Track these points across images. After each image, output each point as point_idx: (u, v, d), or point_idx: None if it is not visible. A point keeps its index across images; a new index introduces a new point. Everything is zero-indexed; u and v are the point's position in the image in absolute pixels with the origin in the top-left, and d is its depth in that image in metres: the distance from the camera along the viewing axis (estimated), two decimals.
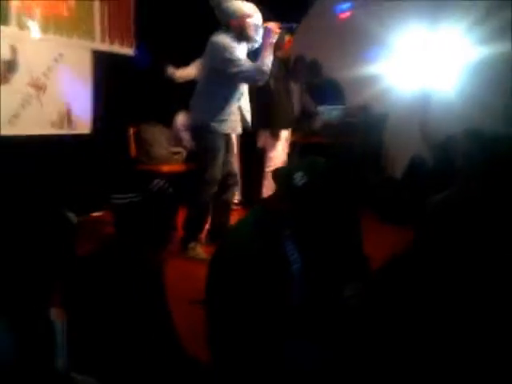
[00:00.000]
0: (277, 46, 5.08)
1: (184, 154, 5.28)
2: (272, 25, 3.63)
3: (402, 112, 5.97)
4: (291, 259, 1.95)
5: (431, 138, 5.55)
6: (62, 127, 4.67)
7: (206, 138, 3.76)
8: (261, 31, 3.67)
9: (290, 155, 5.25)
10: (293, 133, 5.27)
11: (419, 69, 5.85)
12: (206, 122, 3.75)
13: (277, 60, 5.10)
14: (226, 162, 3.89)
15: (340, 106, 5.90)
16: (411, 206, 4.57)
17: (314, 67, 6.40)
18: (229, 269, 1.90)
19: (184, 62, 5.09)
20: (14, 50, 4.23)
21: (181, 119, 5.44)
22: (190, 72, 5.19)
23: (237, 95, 3.80)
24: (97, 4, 4.87)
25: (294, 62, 5.90)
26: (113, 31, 5.04)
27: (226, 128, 3.82)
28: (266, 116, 4.91)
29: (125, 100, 5.04)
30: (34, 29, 4.35)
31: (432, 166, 5.31)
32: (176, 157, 5.24)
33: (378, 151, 5.91)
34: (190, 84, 5.25)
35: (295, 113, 5.54)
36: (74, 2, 4.66)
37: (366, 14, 6.12)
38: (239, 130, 3.98)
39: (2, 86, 4.15)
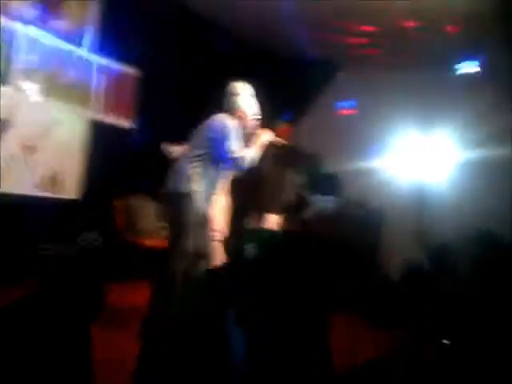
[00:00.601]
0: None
1: None
2: (269, 135, 3.91)
3: (399, 209, 5.90)
4: (232, 336, 1.77)
5: (426, 238, 5.43)
6: (46, 189, 4.60)
7: (182, 207, 3.61)
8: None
9: None
10: (284, 221, 5.16)
11: (415, 167, 5.85)
12: (187, 190, 3.63)
13: (271, 148, 5.11)
14: (200, 238, 3.74)
15: (334, 198, 5.82)
16: (402, 310, 4.38)
17: (313, 159, 6.40)
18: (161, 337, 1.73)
19: (180, 139, 5.13)
20: (9, 110, 4.25)
21: None
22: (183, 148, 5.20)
23: (223, 172, 3.79)
24: (96, 75, 4.96)
25: (291, 151, 5.90)
26: (111, 103, 5.09)
27: (204, 201, 3.71)
28: (254, 198, 4.85)
29: (116, 170, 5.00)
30: (32, 92, 4.40)
31: (426, 267, 5.16)
32: (162, 232, 5.11)
33: (372, 248, 5.76)
34: None
35: (288, 201, 5.46)
36: (74, 72, 4.74)
37: (366, 112, 6.24)
38: (214, 204, 3.89)
39: None
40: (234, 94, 3.82)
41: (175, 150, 5.12)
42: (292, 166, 5.95)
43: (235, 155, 3.64)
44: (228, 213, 5.28)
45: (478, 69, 5.70)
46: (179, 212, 3.64)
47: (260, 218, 4.91)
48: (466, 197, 5.36)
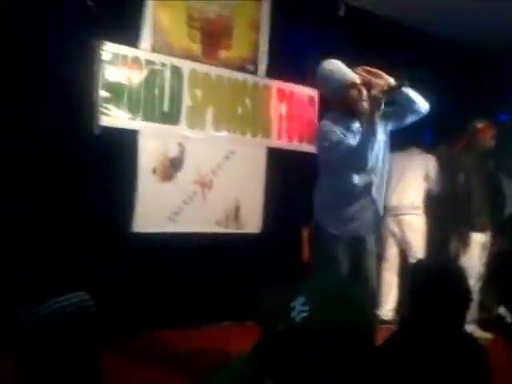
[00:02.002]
0: (471, 138, 4.31)
1: None
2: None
3: None
4: None
5: None
6: (227, 226, 4.50)
7: (320, 244, 3.13)
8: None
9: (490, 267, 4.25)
10: (493, 242, 4.28)
11: None
12: (319, 223, 3.12)
13: (472, 152, 4.30)
14: (362, 276, 3.13)
15: None
16: None
17: None
18: None
19: None
20: (181, 147, 4.28)
21: None
22: None
23: (357, 187, 3.06)
24: (273, 102, 4.75)
25: (505, 155, 4.93)
26: (291, 128, 4.84)
27: (347, 229, 3.08)
28: (457, 214, 4.11)
29: (301, 198, 4.70)
30: (205, 127, 4.38)
31: None
32: None
33: None
34: None
35: (501, 216, 4.49)
36: (249, 102, 4.61)
37: None
38: (370, 231, 3.21)
39: (166, 183, 4.20)
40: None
41: None
42: (503, 170, 4.95)
43: (347, 157, 2.93)
44: (426, 234, 4.58)
45: None
46: (316, 250, 3.22)
47: (463, 238, 4.12)
48: None
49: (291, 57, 4.77)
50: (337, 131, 2.98)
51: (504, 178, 4.84)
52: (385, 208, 4.49)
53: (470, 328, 4.14)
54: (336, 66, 3.03)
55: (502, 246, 4.46)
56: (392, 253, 4.58)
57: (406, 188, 4.55)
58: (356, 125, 3.05)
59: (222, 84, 4.49)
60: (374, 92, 2.88)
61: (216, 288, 4.30)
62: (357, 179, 3.02)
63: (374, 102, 2.88)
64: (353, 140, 2.96)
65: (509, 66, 5.26)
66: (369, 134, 2.88)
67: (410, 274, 1.96)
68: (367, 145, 2.87)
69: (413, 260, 4.44)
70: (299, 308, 1.27)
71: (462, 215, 4.16)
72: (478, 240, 4.17)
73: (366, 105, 2.95)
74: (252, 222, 4.62)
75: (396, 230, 4.55)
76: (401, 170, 4.54)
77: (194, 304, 4.18)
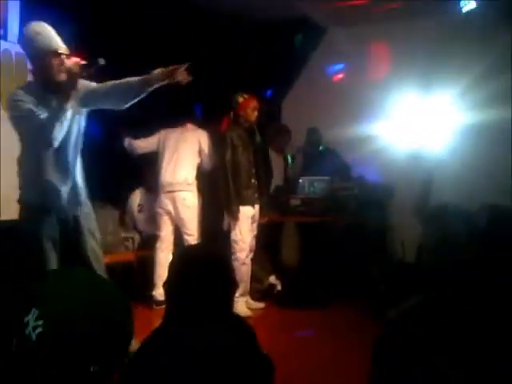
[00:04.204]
0: (234, 112, 4.33)
1: (137, 239, 4.50)
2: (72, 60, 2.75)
3: (408, 185, 5.03)
4: None
5: (427, 214, 4.61)
6: None
7: (23, 220, 2.86)
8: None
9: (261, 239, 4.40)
10: (263, 213, 4.43)
11: (414, 134, 4.91)
12: (21, 198, 2.86)
13: (237, 127, 4.34)
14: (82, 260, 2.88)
15: (326, 178, 4.93)
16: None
17: (311, 136, 5.53)
18: None
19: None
20: None
21: (136, 199, 4.71)
22: (151, 142, 4.53)
23: (47, 159, 2.82)
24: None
25: (272, 131, 5.13)
26: None
27: (44, 201, 2.84)
28: (222, 191, 4.17)
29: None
30: None
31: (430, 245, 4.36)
32: (127, 243, 4.43)
33: (379, 232, 4.90)
34: (146, 160, 4.55)
35: (265, 188, 4.64)
36: None
37: (359, 75, 5.35)
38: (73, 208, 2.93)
39: None
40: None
41: (139, 142, 4.51)
42: (277, 148, 5.18)
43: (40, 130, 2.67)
44: (199, 210, 4.57)
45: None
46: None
47: (233, 212, 4.17)
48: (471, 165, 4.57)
49: None
50: (28, 102, 2.71)
51: (272, 152, 5.04)
52: (160, 185, 4.42)
53: (244, 299, 4.26)
54: (44, 30, 2.75)
55: (271, 218, 4.62)
56: (167, 232, 4.45)
57: (180, 164, 4.46)
58: (51, 97, 2.77)
59: None
60: (70, 65, 2.70)
61: None
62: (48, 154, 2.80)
63: (70, 75, 2.69)
64: (45, 114, 2.71)
65: (275, 42, 5.45)
66: (59, 110, 2.67)
67: (176, 259, 1.82)
68: (55, 121, 2.65)
69: (187, 237, 4.38)
70: (33, 323, 1.05)
71: (231, 190, 4.19)
72: (248, 213, 4.25)
73: (63, 76, 2.71)
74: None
75: (170, 207, 4.44)
76: (174, 146, 4.47)
77: None
